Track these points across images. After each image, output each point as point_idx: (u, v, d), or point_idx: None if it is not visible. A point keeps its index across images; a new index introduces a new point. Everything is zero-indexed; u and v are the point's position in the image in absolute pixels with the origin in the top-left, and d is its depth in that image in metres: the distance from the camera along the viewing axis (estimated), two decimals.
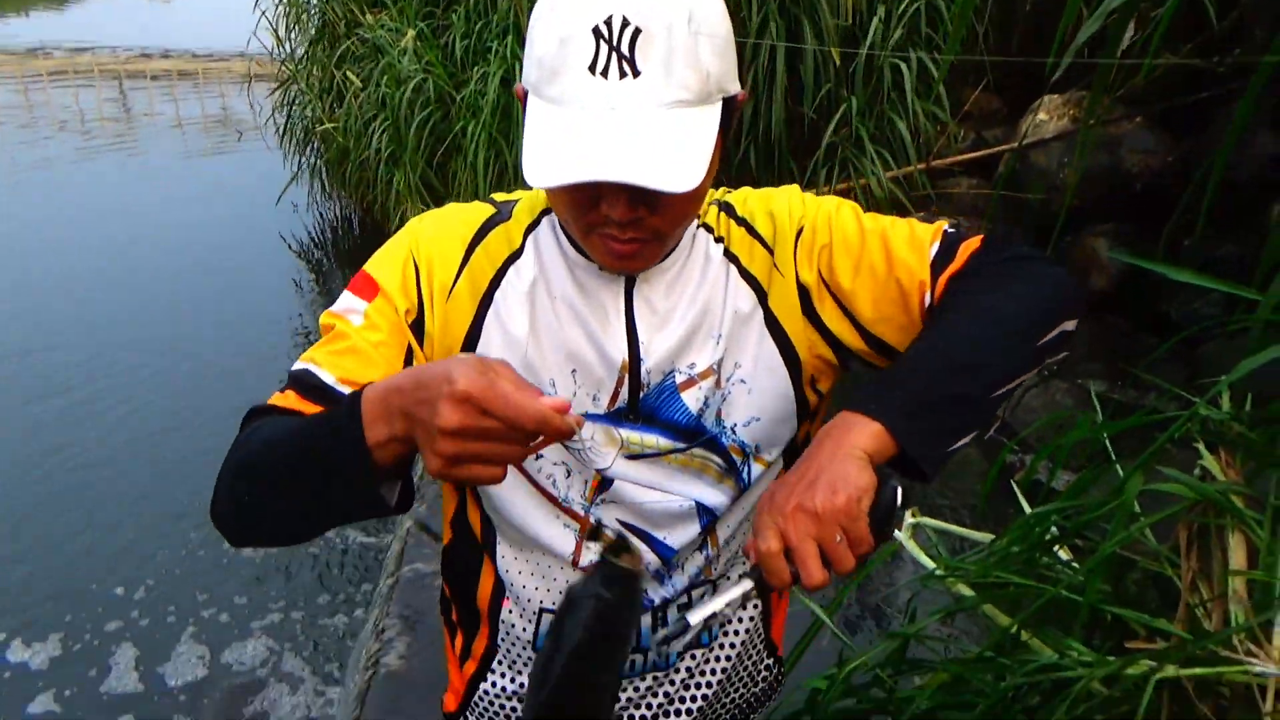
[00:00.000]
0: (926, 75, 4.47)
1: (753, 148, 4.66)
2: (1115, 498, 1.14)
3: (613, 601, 0.69)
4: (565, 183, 0.73)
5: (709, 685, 1.09)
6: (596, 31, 0.73)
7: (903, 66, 4.36)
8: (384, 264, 0.92)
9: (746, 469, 0.98)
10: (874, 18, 4.29)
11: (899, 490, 0.75)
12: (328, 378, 0.84)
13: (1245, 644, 0.95)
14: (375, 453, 0.70)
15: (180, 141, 8.59)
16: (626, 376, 0.91)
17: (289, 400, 0.84)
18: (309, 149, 6.34)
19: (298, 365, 0.87)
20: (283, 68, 6.48)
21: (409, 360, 0.89)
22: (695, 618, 0.74)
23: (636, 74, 0.73)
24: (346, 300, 0.90)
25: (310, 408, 0.83)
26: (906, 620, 1.58)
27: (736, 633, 1.10)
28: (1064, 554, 1.40)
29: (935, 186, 4.61)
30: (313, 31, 6.13)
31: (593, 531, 0.69)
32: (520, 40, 4.54)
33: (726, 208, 0.97)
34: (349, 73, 5.33)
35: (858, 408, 0.78)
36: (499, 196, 0.98)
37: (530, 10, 0.80)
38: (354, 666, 2.32)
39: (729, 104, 0.81)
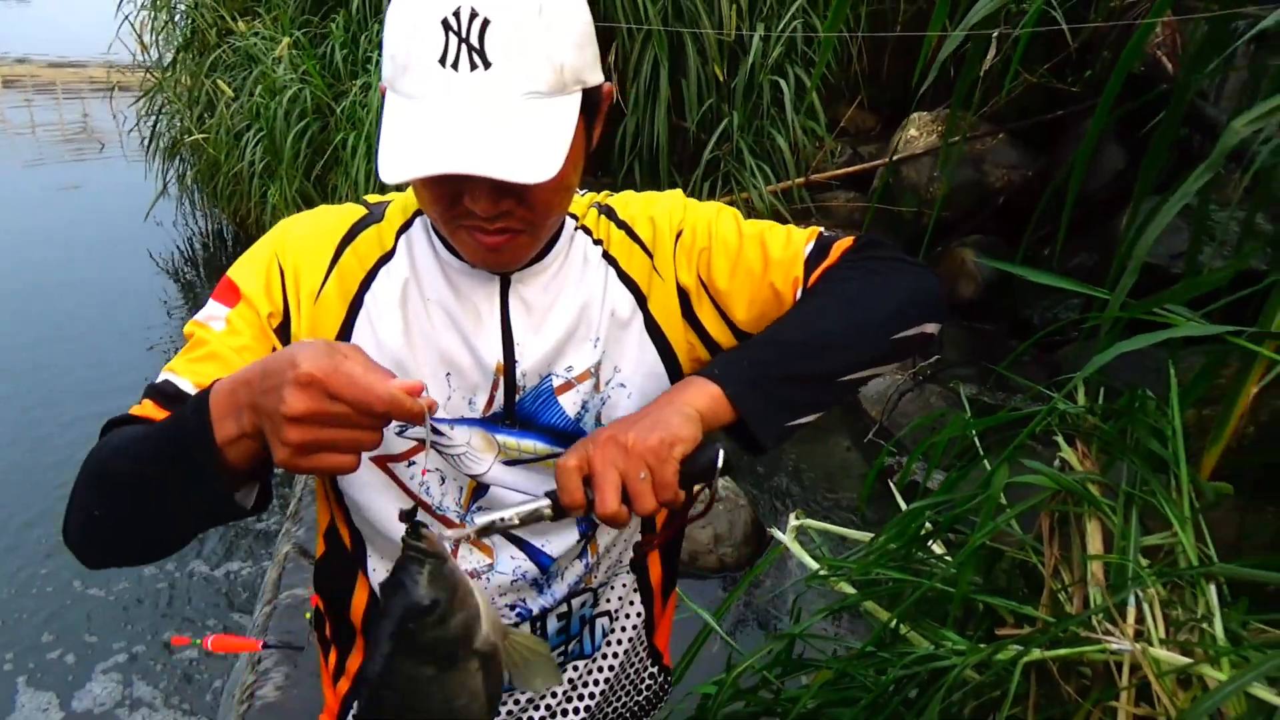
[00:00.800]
0: (805, 92, 4.61)
1: (637, 161, 4.70)
2: (983, 491, 1.19)
3: (414, 586, 0.66)
4: (415, 177, 0.72)
5: (592, 696, 1.08)
6: (445, 24, 0.71)
7: (782, 83, 4.48)
8: (247, 268, 0.88)
9: None
10: (754, 35, 4.39)
11: (721, 453, 0.76)
12: (186, 385, 0.81)
13: (1103, 624, 1.00)
14: (226, 451, 0.67)
15: (35, 150, 8.09)
16: (501, 379, 0.89)
17: (146, 410, 0.80)
18: (177, 161, 6.06)
19: (159, 377, 0.83)
20: (148, 76, 6.18)
21: None
22: (481, 520, 0.74)
23: (487, 65, 0.72)
24: (209, 308, 0.87)
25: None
26: (793, 621, 1.61)
27: (620, 642, 1.09)
28: (939, 549, 1.45)
29: (814, 200, 4.74)
30: (180, 39, 5.88)
31: (402, 514, 0.66)
32: None
33: (607, 211, 0.96)
34: (220, 82, 5.12)
35: (704, 372, 0.81)
36: (371, 198, 0.95)
37: None
38: (227, 702, 2.21)
39: (591, 95, 0.80)
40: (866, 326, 0.86)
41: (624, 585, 1.07)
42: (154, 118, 6.09)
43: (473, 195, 0.77)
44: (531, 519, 0.74)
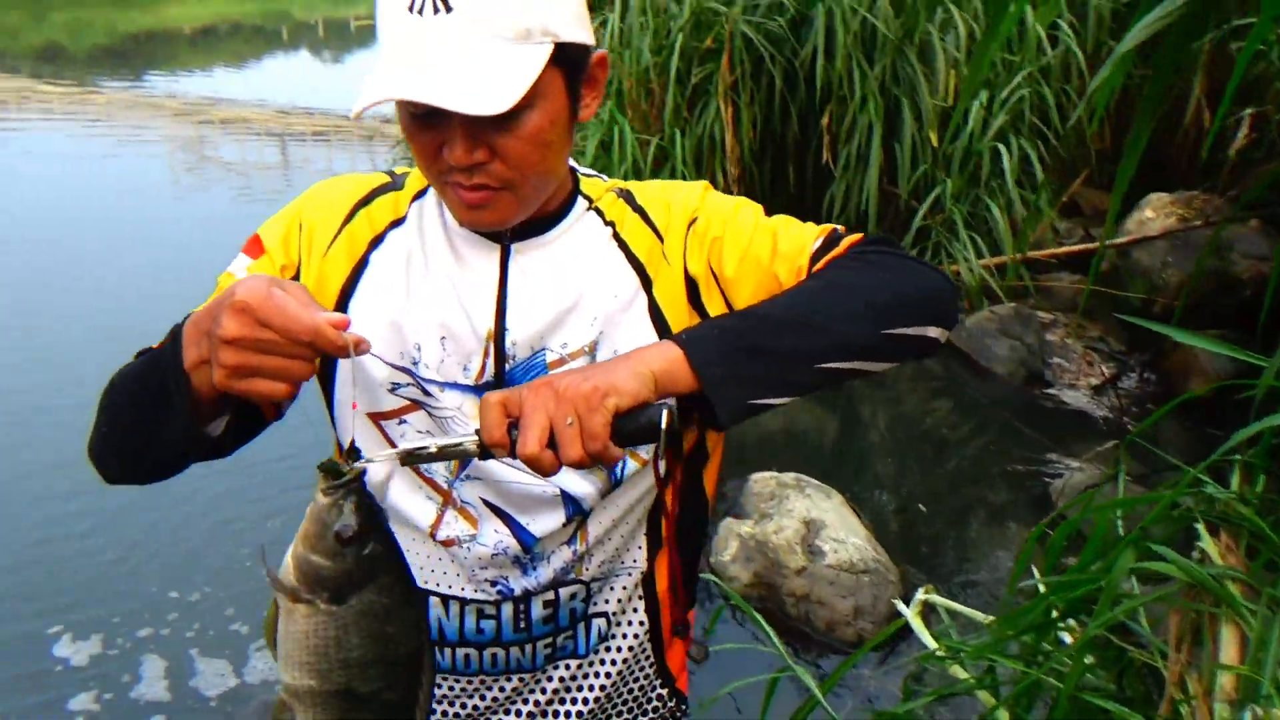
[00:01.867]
0: (1028, 163, 4.38)
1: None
2: (1104, 577, 1.06)
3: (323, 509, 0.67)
4: (363, 105, 0.75)
5: (585, 701, 1.04)
6: None
7: (1003, 152, 4.28)
8: (274, 224, 0.95)
9: (621, 465, 0.94)
10: (975, 102, 4.24)
11: (667, 414, 0.72)
12: None
13: None
14: (193, 376, 0.73)
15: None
16: (492, 346, 0.90)
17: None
18: None
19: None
20: None
21: None
22: (402, 445, 0.73)
23: (449, 10, 0.75)
24: (237, 260, 0.94)
25: None
26: (902, 699, 1.49)
27: (619, 649, 1.05)
28: (1067, 635, 1.30)
29: (1033, 278, 4.47)
30: None
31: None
32: None
33: (626, 195, 0.96)
34: None
35: (673, 336, 0.79)
36: (400, 170, 1.00)
37: None
38: None
39: (570, 53, 0.81)
40: (855, 315, 0.81)
41: (625, 589, 1.03)
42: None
43: (449, 145, 0.79)
44: (454, 453, 0.73)
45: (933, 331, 0.84)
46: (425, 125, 0.79)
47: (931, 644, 1.47)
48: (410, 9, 0.75)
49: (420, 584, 0.97)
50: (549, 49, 0.78)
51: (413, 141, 0.82)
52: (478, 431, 0.72)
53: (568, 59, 0.81)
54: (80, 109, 10.42)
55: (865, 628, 2.44)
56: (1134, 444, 2.86)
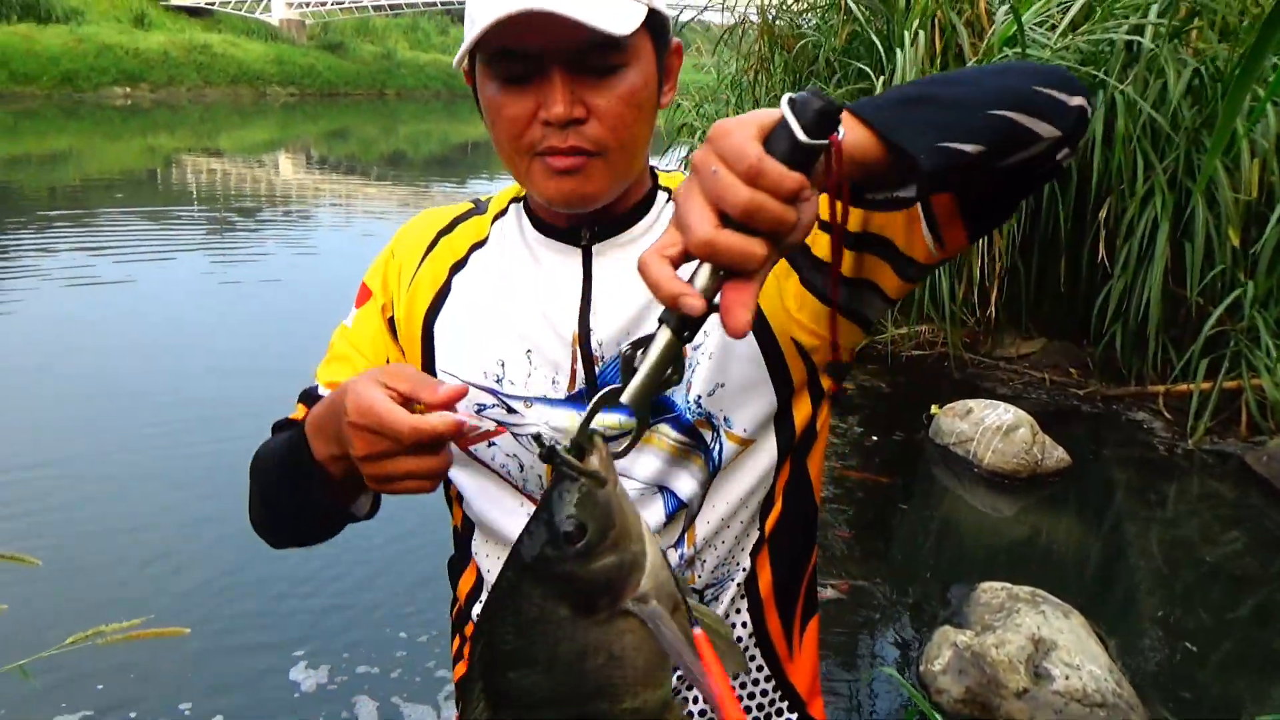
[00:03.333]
0: None
1: (1120, 327, 4.21)
2: None
3: (559, 507, 0.58)
4: (490, 20, 0.74)
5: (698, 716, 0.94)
6: None
7: None
8: (373, 268, 0.99)
9: (717, 446, 0.87)
10: None
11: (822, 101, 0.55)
12: (320, 388, 0.94)
13: None
14: (328, 466, 0.78)
15: None
16: (578, 350, 0.87)
17: (298, 413, 0.95)
18: None
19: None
20: None
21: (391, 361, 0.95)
22: (627, 397, 0.58)
23: None
24: (351, 313, 0.99)
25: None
26: None
27: None
28: None
29: None
30: None
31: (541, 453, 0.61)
32: None
33: None
34: None
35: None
36: (484, 197, 1.01)
37: None
38: None
39: (659, 22, 0.81)
40: (1011, 70, 0.72)
41: (730, 597, 0.94)
42: None
43: (546, 103, 0.78)
44: (664, 359, 0.58)
45: (1077, 99, 0.72)
46: (518, 89, 0.80)
47: None
48: None
49: None
50: (645, 10, 0.79)
51: (500, 115, 0.82)
52: (660, 320, 0.58)
53: (657, 27, 0.82)
54: (413, 203, 11.93)
55: None
56: None
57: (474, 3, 0.79)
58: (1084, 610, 2.57)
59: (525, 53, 0.78)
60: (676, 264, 0.56)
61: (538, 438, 0.68)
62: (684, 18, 7.62)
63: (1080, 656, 2.32)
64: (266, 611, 2.98)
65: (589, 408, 0.60)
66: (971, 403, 3.82)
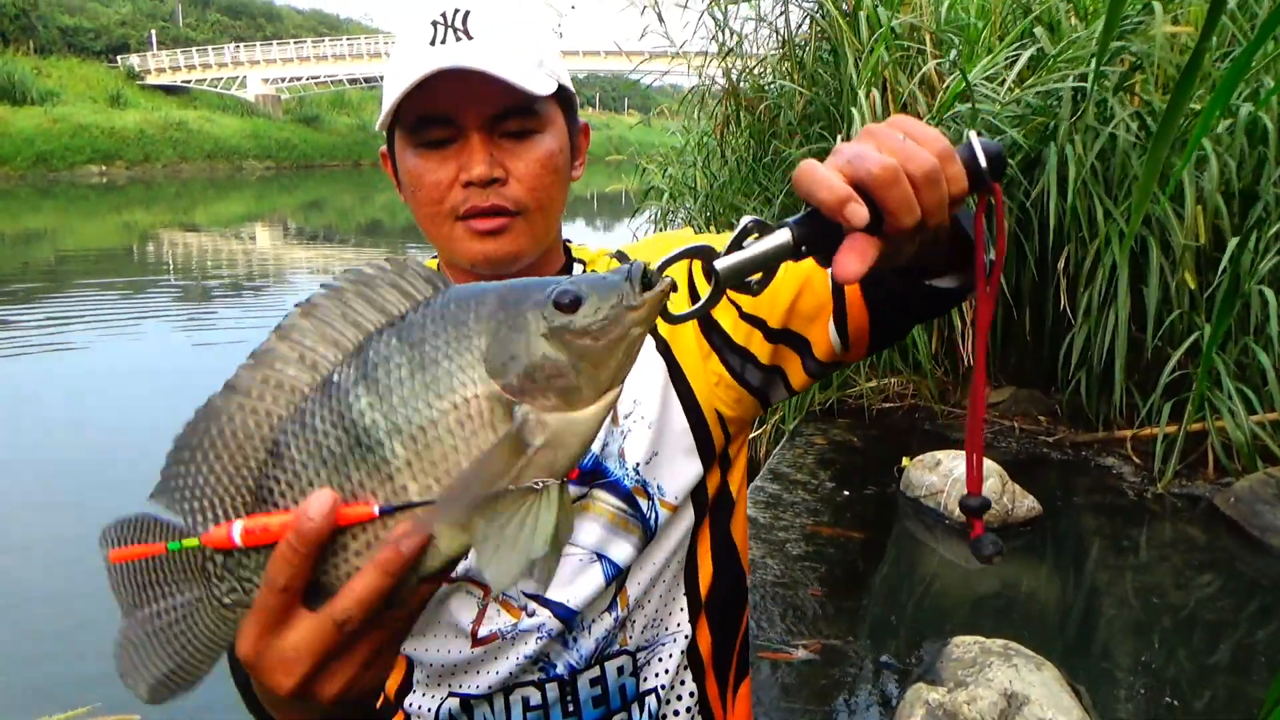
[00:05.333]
0: None
1: (1085, 374, 4.24)
2: None
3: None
4: (410, 81, 0.77)
5: None
6: (434, 22, 0.80)
7: (1270, 297, 3.77)
8: None
9: (653, 514, 0.88)
10: (1235, 240, 3.81)
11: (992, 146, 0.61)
12: None
13: None
14: None
15: None
16: None
17: None
18: None
19: None
20: None
21: None
22: (722, 263, 0.57)
23: (470, 37, 0.79)
24: None
25: None
26: None
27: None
28: None
29: None
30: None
31: None
32: None
33: (620, 256, 0.96)
34: None
35: None
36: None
37: None
38: None
39: (568, 99, 0.85)
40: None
41: (672, 657, 0.93)
42: None
43: (466, 165, 0.81)
44: (773, 256, 0.57)
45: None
46: (438, 154, 0.83)
47: None
48: (432, 42, 0.81)
49: (459, 689, 0.93)
50: (555, 87, 0.83)
51: (422, 182, 0.85)
52: (786, 224, 0.57)
53: (566, 100, 0.86)
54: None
55: None
56: None
57: (394, 69, 0.82)
58: (1058, 661, 2.53)
59: (444, 117, 0.81)
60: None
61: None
62: (657, 83, 7.77)
63: (1053, 710, 2.28)
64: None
65: (677, 252, 0.57)
66: (940, 454, 3.81)
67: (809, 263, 0.82)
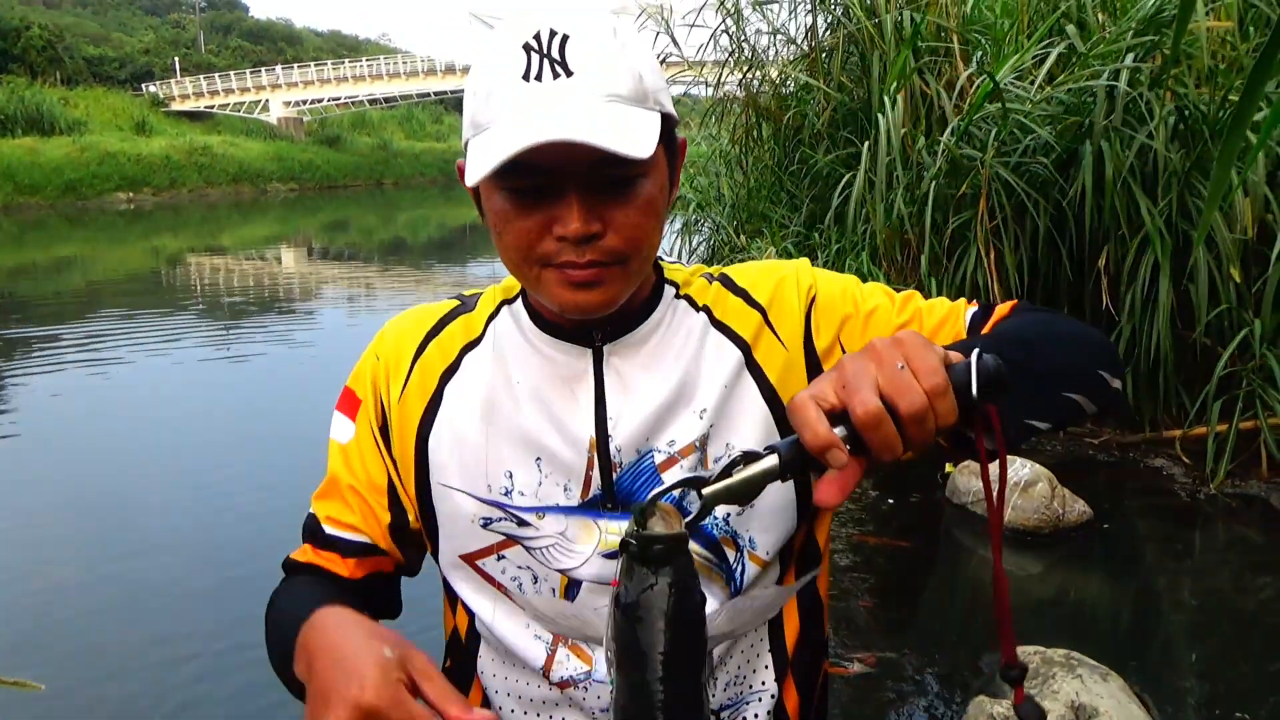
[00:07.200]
0: None
1: (1131, 373, 4.16)
2: None
3: (673, 583, 0.58)
4: (510, 154, 0.69)
5: None
6: (526, 46, 0.72)
7: None
8: (358, 372, 0.93)
9: (740, 567, 0.84)
10: None
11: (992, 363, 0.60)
12: (321, 525, 0.91)
13: None
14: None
15: None
16: (595, 456, 0.83)
17: (305, 554, 0.91)
18: None
19: (310, 509, 0.93)
20: None
21: (391, 481, 0.90)
22: (708, 490, 0.60)
23: (570, 74, 0.72)
24: (336, 422, 0.92)
25: (319, 556, 0.90)
26: None
27: None
28: None
29: None
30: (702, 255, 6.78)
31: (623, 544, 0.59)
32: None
33: (724, 279, 0.91)
34: None
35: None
36: (469, 291, 0.97)
37: None
38: None
39: (670, 125, 0.79)
40: (1077, 349, 0.78)
41: (758, 717, 0.90)
42: None
43: (563, 220, 0.74)
44: (759, 482, 0.60)
45: (1117, 383, 0.78)
46: (532, 204, 0.75)
47: None
48: (525, 77, 0.72)
49: None
50: (659, 117, 0.76)
51: (510, 226, 0.77)
52: (771, 448, 0.60)
53: (668, 131, 0.79)
54: (417, 287, 12.00)
55: None
56: None
57: (481, 95, 0.75)
58: (1121, 670, 2.47)
59: (539, 169, 0.73)
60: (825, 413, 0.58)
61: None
62: (674, 91, 7.77)
63: None
64: None
65: (666, 486, 0.61)
66: None
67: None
